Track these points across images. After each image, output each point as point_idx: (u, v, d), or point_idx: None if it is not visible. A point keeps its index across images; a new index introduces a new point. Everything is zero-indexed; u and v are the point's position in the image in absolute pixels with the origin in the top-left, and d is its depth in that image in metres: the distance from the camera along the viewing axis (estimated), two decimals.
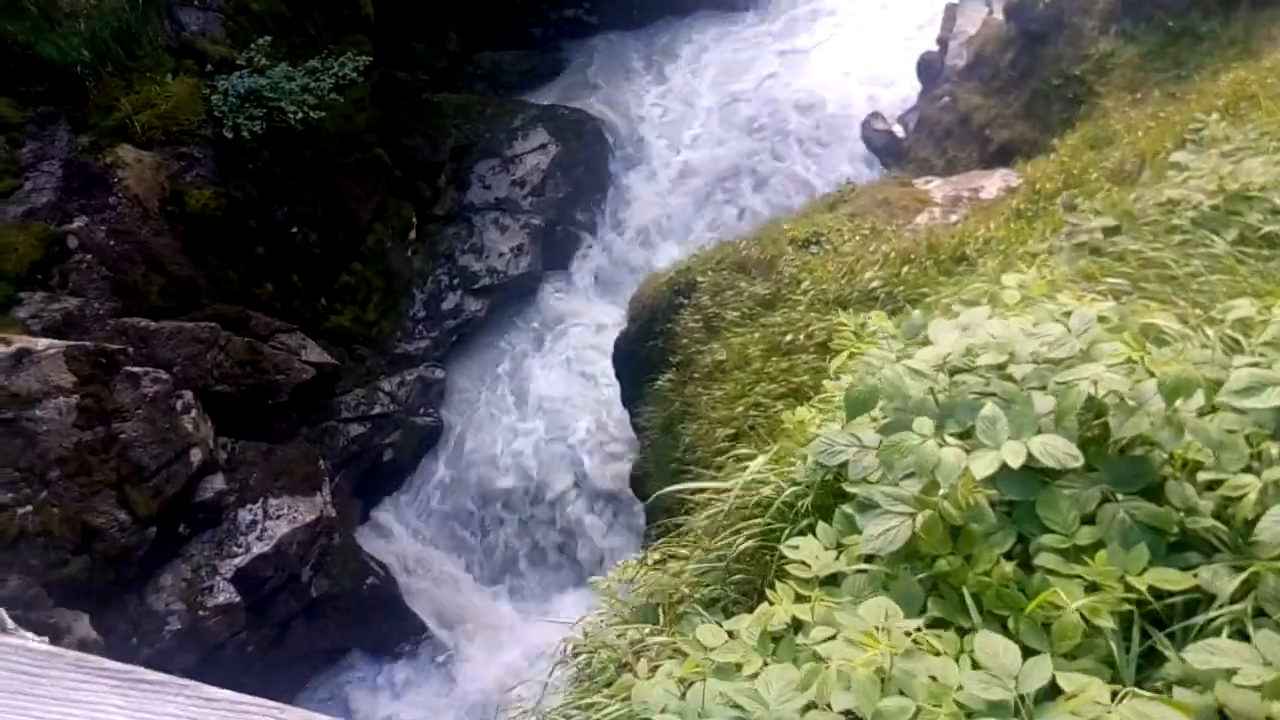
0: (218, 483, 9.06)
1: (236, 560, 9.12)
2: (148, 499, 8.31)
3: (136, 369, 8.60)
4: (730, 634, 2.21)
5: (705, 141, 14.21)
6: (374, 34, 13.29)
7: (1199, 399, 2.33)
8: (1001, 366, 2.67)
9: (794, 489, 2.91)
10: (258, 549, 9.25)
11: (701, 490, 3.47)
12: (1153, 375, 2.34)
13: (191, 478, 8.79)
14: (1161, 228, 4.04)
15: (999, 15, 10.31)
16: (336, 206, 11.78)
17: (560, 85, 15.86)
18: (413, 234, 12.89)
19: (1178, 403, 2.32)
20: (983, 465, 2.30)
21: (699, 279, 7.99)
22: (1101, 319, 2.75)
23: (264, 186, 10.86)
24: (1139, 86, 8.49)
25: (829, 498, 2.82)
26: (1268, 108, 5.31)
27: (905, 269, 6.68)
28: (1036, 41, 9.68)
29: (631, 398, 8.77)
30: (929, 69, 11.32)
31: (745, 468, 3.22)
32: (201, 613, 8.79)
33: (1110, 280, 3.81)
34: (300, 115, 10.57)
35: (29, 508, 7.62)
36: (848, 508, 2.55)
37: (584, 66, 16.03)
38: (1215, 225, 3.81)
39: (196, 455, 8.80)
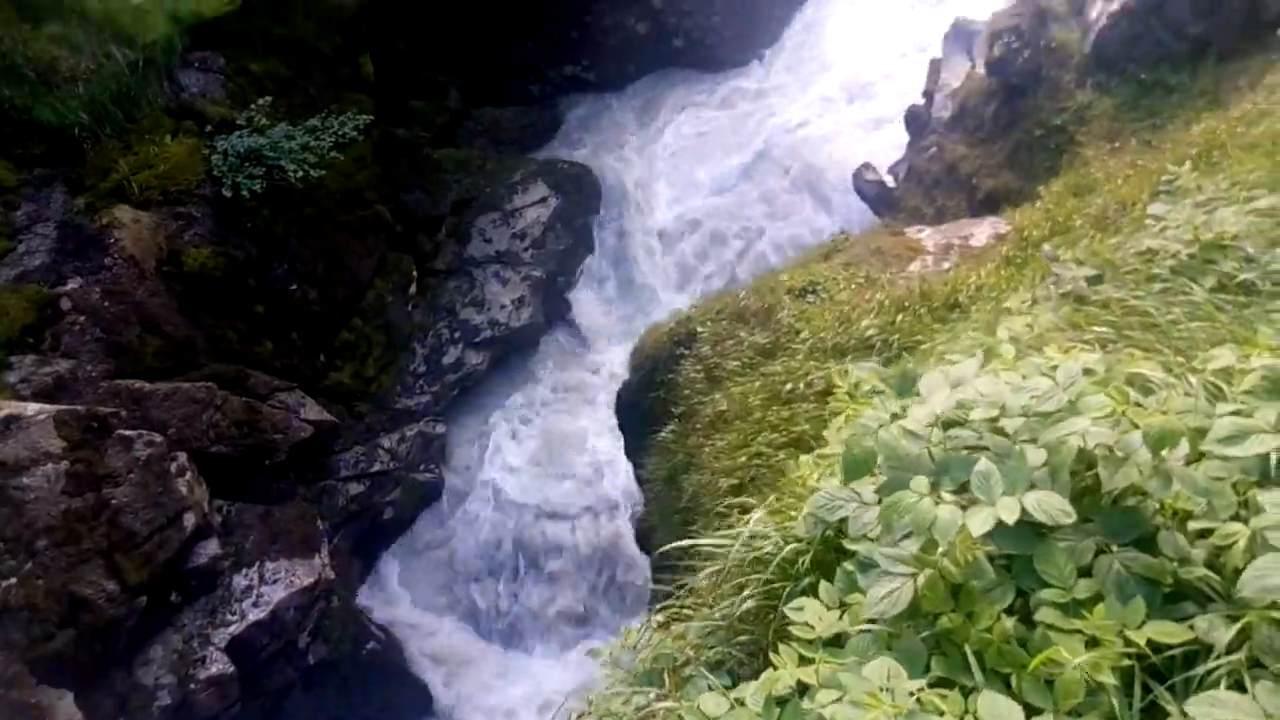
0: (212, 547, 8.85)
1: (231, 628, 8.87)
2: (138, 566, 8.08)
3: (129, 432, 8.44)
4: (737, 702, 2.24)
5: (702, 193, 14.43)
6: (374, 93, 13.53)
7: (1184, 448, 2.40)
8: (993, 420, 2.73)
9: (794, 545, 2.95)
10: (253, 615, 9.02)
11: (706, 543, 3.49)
12: (1137, 427, 2.40)
13: (185, 543, 8.56)
14: (1142, 276, 4.13)
15: (981, 69, 10.55)
16: (337, 263, 11.88)
17: (559, 140, 16.11)
18: (413, 288, 12.98)
19: (1164, 453, 2.39)
20: (979, 522, 2.34)
21: (699, 329, 8.07)
22: (1087, 371, 2.83)
23: (263, 245, 10.95)
24: (1117, 136, 8.69)
25: (829, 553, 2.86)
26: (1237, 157, 5.46)
27: (900, 317, 6.77)
28: (1017, 94, 9.93)
29: (635, 449, 8.79)
30: (916, 120, 11.56)
31: (748, 521, 3.26)
32: (193, 685, 8.46)
33: (1096, 329, 3.88)
34: (300, 174, 10.74)
35: (13, 580, 7.35)
36: (849, 565, 2.59)
37: (583, 122, 16.31)
38: (1193, 273, 3.90)
39: (190, 519, 8.60)
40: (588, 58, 16.72)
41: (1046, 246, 5.52)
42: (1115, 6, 9.78)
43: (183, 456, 8.81)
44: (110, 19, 10.92)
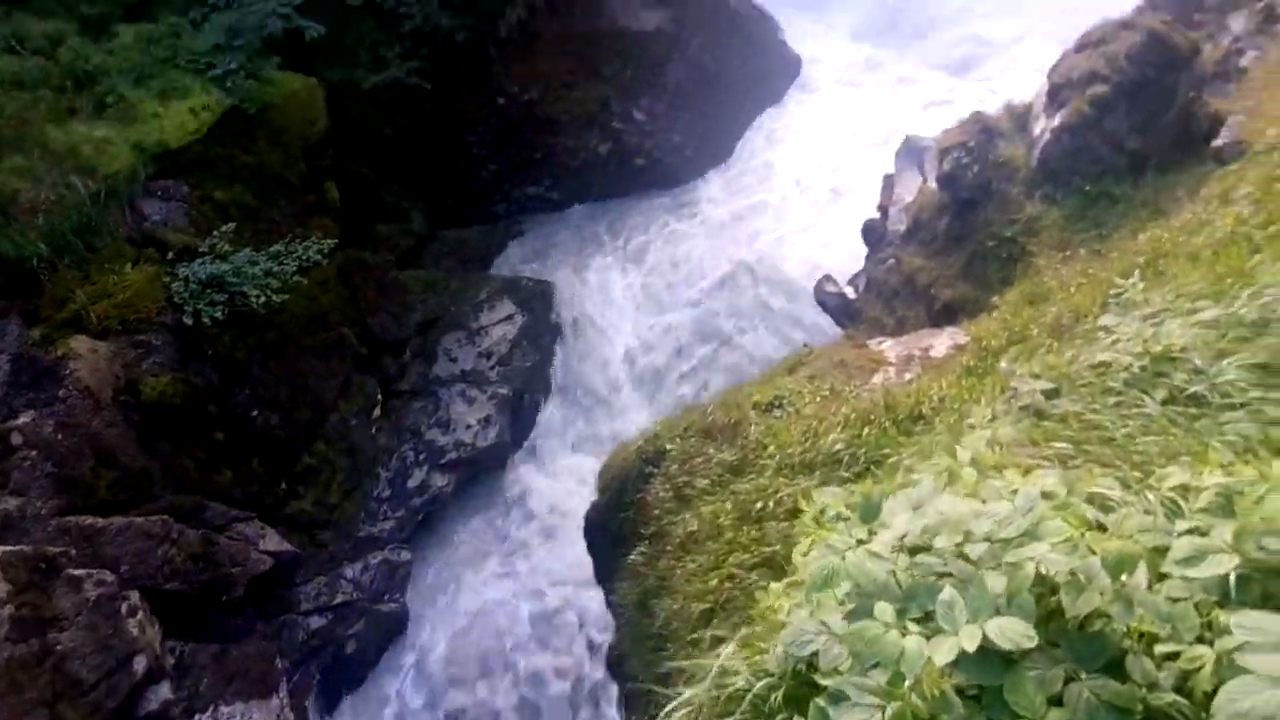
0: (164, 692, 8.34)
1: None
2: (84, 716, 7.59)
3: (79, 571, 8.09)
4: None
5: (666, 307, 14.61)
6: (340, 217, 13.70)
7: (1144, 571, 2.41)
8: (958, 545, 2.73)
9: (766, 680, 2.90)
10: None
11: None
12: (1094, 553, 2.41)
13: (135, 688, 8.07)
14: (1097, 389, 4.21)
15: (932, 184, 10.92)
16: (300, 387, 11.78)
17: (524, 258, 16.33)
18: (377, 411, 12.85)
19: (1124, 577, 2.40)
20: (942, 653, 2.32)
21: (667, 447, 8.03)
22: (1046, 495, 2.84)
23: (225, 371, 10.85)
24: (1066, 245, 8.98)
25: (802, 688, 2.80)
26: (1181, 267, 5.64)
27: (866, 430, 6.79)
28: (968, 207, 10.26)
29: (605, 573, 8.61)
30: (873, 233, 11.86)
31: (719, 655, 3.21)
32: None
33: (1055, 444, 3.93)
34: (263, 299, 10.74)
35: None
36: (821, 700, 2.54)
37: (548, 240, 16.58)
38: (1145, 386, 4.00)
39: (141, 663, 8.14)
40: (551, 178, 17.12)
41: (1004, 362, 5.60)
42: (1057, 123, 10.23)
43: (134, 596, 8.43)
44: (73, 151, 11.06)
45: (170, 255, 10.85)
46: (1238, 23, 12.66)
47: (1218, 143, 9.32)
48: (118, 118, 11.93)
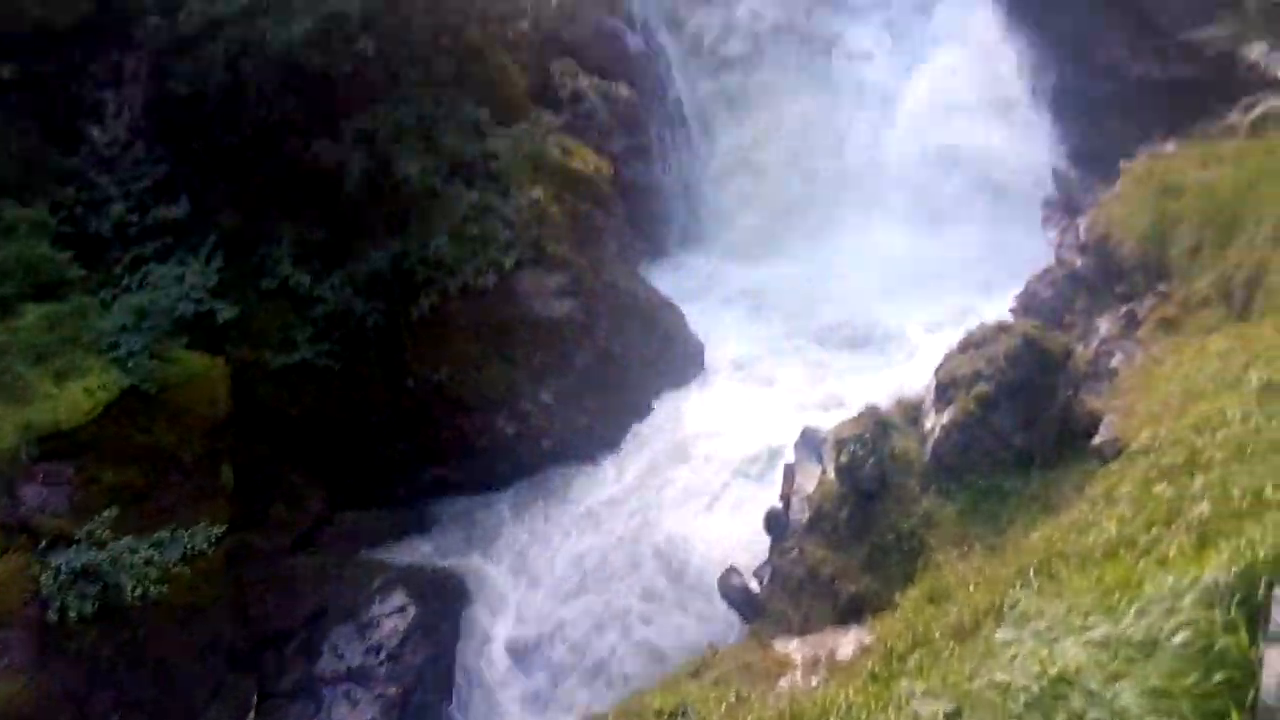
0: None
1: None
2: None
3: None
4: None
5: (566, 599, 14.08)
6: (234, 498, 13.24)
7: None
8: None
9: None
10: None
11: None
12: None
13: None
14: (999, 711, 4.10)
15: (831, 475, 11.15)
16: (168, 688, 10.89)
17: (424, 543, 15.76)
18: (251, 715, 11.80)
19: None
20: None
21: None
22: None
23: (88, 671, 10.02)
24: (964, 540, 9.15)
25: None
26: (1072, 575, 5.71)
27: None
28: (867, 499, 10.47)
29: None
30: (776, 523, 11.89)
31: None
32: None
33: None
34: (139, 591, 10.22)
35: None
36: None
37: (449, 525, 16.11)
38: (1045, 709, 3.91)
39: None
40: (456, 459, 16.90)
41: (905, 681, 5.47)
42: (946, 419, 10.71)
43: None
44: None
45: (43, 543, 10.25)
46: (1104, 324, 13.84)
47: (1097, 440, 9.83)
48: (10, 398, 11.62)
